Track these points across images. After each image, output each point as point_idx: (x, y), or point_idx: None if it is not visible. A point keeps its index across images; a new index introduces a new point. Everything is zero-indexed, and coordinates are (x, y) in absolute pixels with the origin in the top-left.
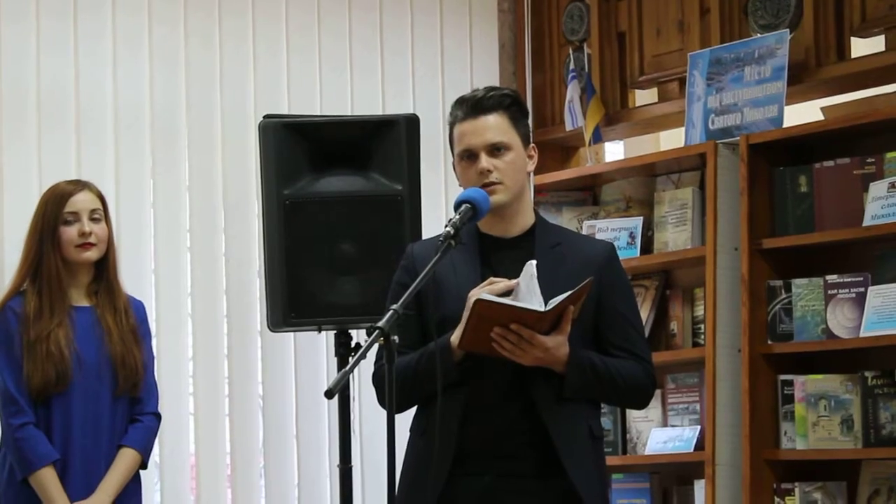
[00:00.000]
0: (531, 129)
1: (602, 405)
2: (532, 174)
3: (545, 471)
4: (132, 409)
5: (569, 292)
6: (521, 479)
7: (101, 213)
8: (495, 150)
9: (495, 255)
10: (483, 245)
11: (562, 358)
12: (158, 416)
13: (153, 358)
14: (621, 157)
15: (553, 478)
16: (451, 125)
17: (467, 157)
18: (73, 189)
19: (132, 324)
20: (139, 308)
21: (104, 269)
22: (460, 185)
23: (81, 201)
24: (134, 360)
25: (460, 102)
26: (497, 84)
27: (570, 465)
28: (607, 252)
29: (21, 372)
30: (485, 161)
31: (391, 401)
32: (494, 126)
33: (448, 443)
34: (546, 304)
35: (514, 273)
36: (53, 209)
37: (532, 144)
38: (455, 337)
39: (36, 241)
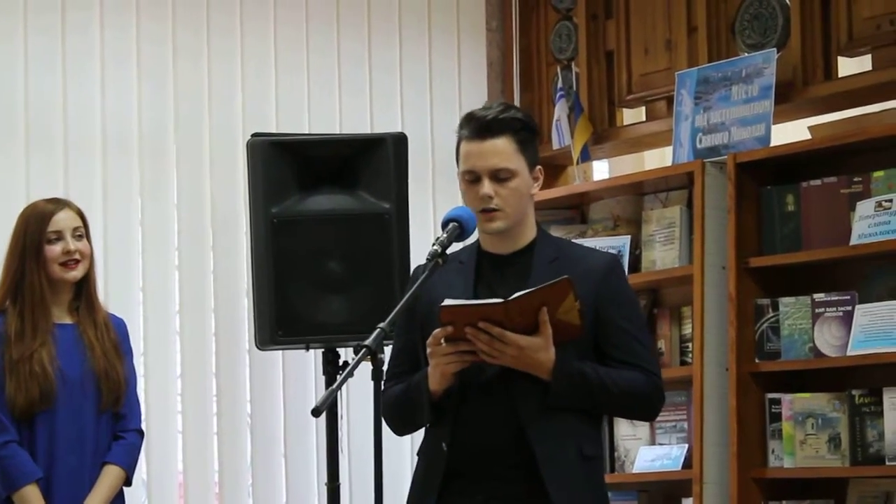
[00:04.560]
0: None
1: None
2: None
3: (535, 492)
4: (115, 426)
5: (534, 287)
6: (510, 501)
7: (83, 231)
8: (499, 176)
9: (492, 272)
10: (480, 263)
11: (546, 364)
12: (141, 433)
13: (135, 375)
14: (606, 175)
15: (543, 499)
16: (458, 140)
17: (470, 178)
18: (54, 208)
19: (113, 338)
20: (120, 325)
21: (85, 285)
22: (463, 202)
23: (64, 220)
24: (117, 374)
25: (469, 119)
26: (488, 101)
27: (555, 489)
28: (607, 264)
29: (3, 391)
30: (487, 187)
31: (378, 418)
32: (500, 151)
33: (437, 465)
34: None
35: (511, 289)
36: (36, 228)
37: (539, 167)
38: (430, 378)
39: (18, 260)
